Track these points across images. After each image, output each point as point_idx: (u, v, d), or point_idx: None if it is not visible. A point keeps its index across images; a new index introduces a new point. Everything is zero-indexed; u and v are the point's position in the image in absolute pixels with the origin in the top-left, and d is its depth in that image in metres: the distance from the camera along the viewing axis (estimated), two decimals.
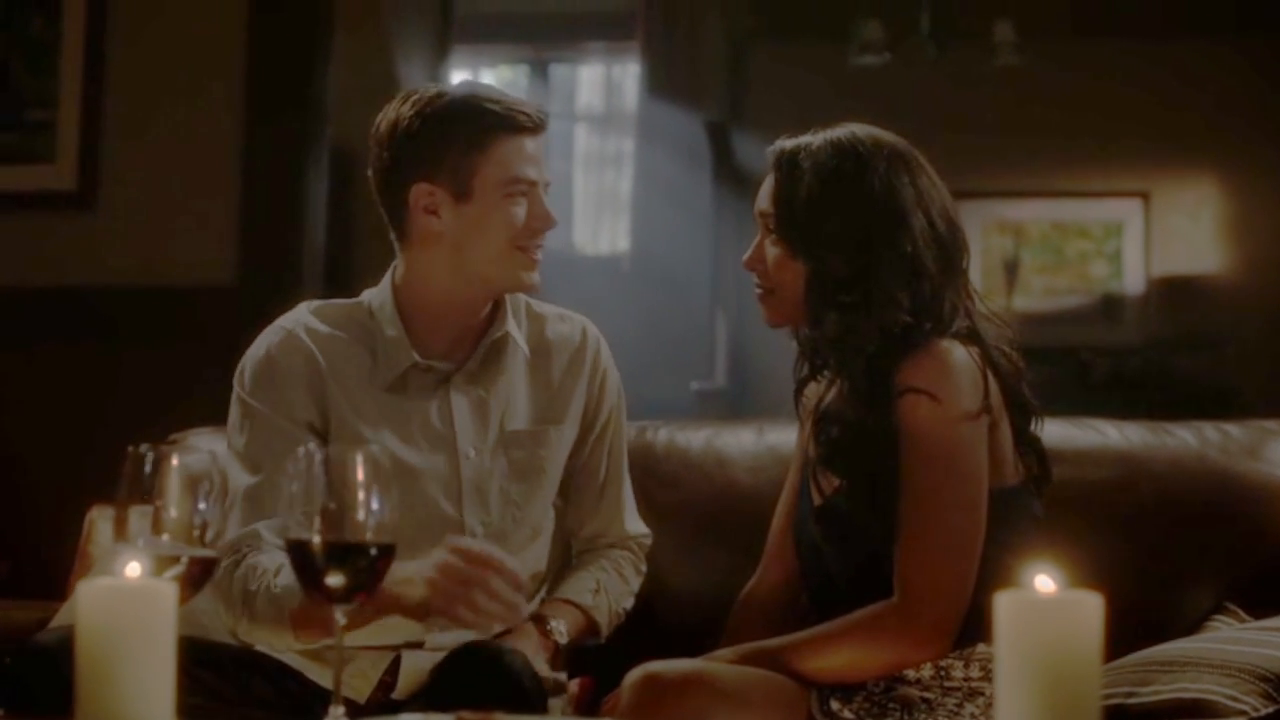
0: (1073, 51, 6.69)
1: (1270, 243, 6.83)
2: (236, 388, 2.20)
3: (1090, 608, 1.22)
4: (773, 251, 2.06)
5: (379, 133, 2.18)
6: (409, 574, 1.91)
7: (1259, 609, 2.32)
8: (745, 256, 2.11)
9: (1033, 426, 2.03)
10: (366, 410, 2.18)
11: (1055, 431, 2.53)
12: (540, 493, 2.27)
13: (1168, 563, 2.43)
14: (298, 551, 1.47)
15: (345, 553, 1.47)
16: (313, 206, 3.94)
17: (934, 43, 5.86)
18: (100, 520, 2.90)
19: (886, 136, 2.05)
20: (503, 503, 2.22)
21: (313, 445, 2.03)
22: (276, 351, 2.19)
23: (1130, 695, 2.04)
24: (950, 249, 2.02)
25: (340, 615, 1.48)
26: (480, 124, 2.13)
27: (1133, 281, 7.00)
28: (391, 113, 2.18)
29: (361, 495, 1.48)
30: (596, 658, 2.28)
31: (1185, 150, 6.90)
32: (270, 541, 2.06)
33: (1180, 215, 6.96)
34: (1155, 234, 6.98)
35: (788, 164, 2.05)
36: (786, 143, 2.06)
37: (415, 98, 2.16)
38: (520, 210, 2.15)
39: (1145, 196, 6.99)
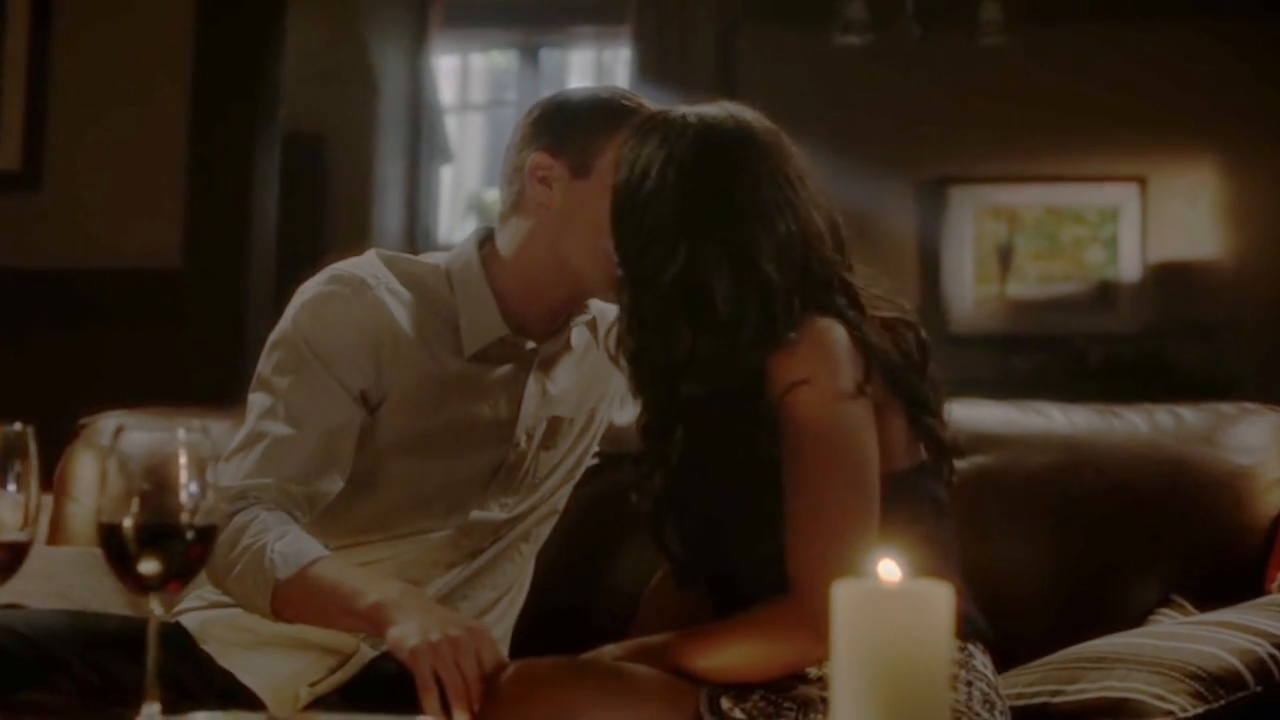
0: (1067, 33, 6.56)
1: (1269, 228, 6.68)
2: (290, 326, 2.06)
3: (939, 599, 1.10)
4: None
5: (524, 114, 2.16)
6: (416, 625, 1.78)
7: (1207, 602, 2.19)
8: None
9: (927, 417, 1.88)
10: (435, 381, 2.09)
11: (997, 415, 2.44)
12: (566, 480, 2.24)
13: (1112, 553, 2.31)
14: (109, 535, 1.36)
15: (160, 536, 1.35)
16: (261, 190, 3.85)
17: (918, 22, 5.73)
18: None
19: (721, 120, 1.85)
20: (528, 489, 2.18)
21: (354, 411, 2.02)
22: (352, 306, 2.06)
23: (1056, 694, 1.93)
24: (780, 268, 1.80)
25: (157, 604, 1.37)
26: (617, 109, 2.06)
27: (1129, 268, 6.84)
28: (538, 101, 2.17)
29: (183, 477, 1.37)
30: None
31: (1183, 135, 6.74)
32: (279, 501, 1.97)
33: (1178, 200, 6.81)
34: (1152, 220, 6.82)
35: (636, 134, 1.91)
36: (668, 112, 1.91)
37: (566, 90, 2.19)
38: None
39: (1142, 181, 6.83)
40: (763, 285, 1.78)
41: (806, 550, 1.73)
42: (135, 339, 3.66)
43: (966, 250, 6.89)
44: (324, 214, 5.66)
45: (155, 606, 1.37)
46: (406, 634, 1.77)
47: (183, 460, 1.38)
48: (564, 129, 2.08)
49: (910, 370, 1.86)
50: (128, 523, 1.35)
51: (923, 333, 1.91)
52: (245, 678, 2.05)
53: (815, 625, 1.69)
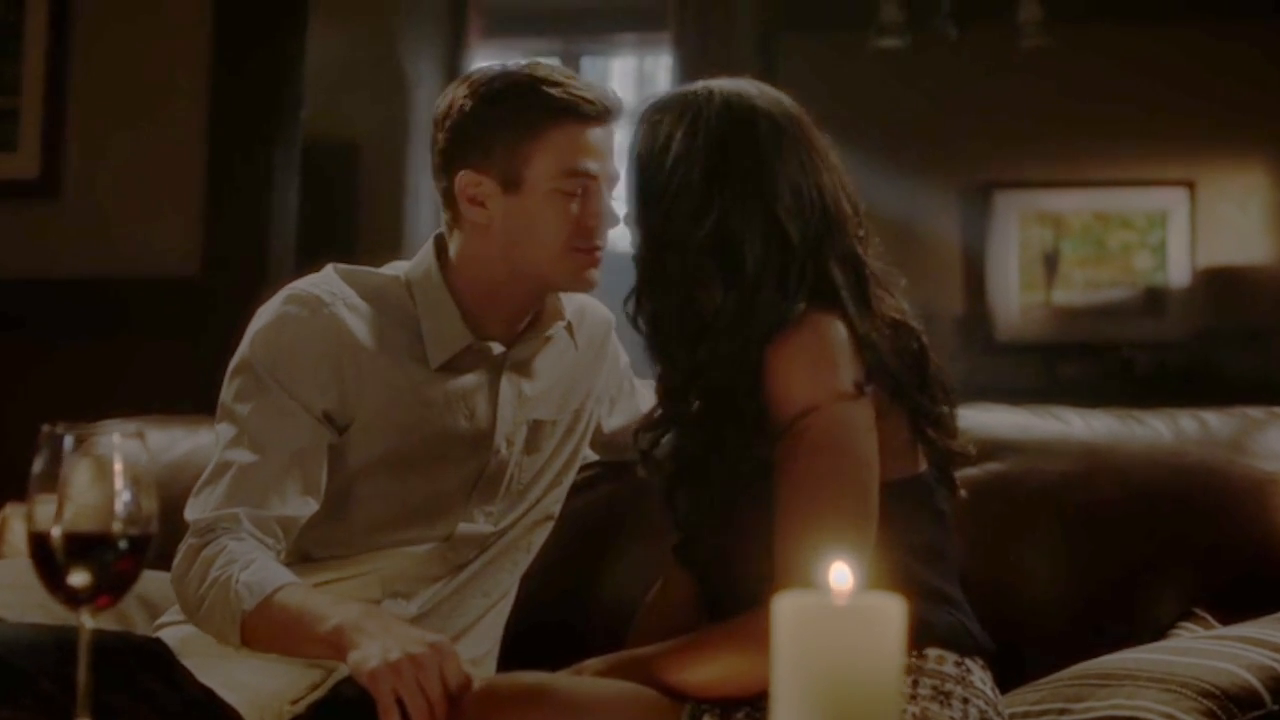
0: (1112, 34, 6.44)
1: None
2: (249, 351, 2.01)
3: (889, 615, 1.01)
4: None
5: (436, 114, 2.05)
6: (376, 646, 1.74)
7: (1231, 616, 2.09)
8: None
9: (928, 426, 1.81)
10: (406, 396, 2.03)
11: (1011, 421, 2.35)
12: (555, 484, 2.17)
13: (1131, 564, 2.21)
14: (38, 545, 1.30)
15: (90, 545, 1.29)
16: (280, 199, 3.80)
17: (954, 23, 5.63)
18: (14, 518, 2.78)
19: (746, 89, 1.84)
20: (511, 495, 2.11)
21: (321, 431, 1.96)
22: (308, 327, 2.00)
23: (1063, 712, 1.84)
24: (802, 231, 1.78)
25: (87, 617, 1.31)
26: (535, 108, 1.97)
27: (1178, 274, 6.69)
28: (449, 93, 2.03)
29: (117, 484, 1.31)
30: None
31: (1232, 137, 6.58)
32: (249, 530, 1.92)
33: (1227, 204, 6.67)
34: (1201, 224, 6.67)
35: (647, 113, 1.88)
36: (686, 88, 1.87)
37: (475, 78, 2.02)
38: (576, 207, 1.98)
39: (1191, 185, 6.68)
40: (784, 244, 1.76)
41: (796, 558, 1.65)
42: (154, 347, 3.62)
43: (1012, 257, 6.77)
44: (357, 221, 5.63)
45: (86, 620, 1.31)
46: (367, 656, 1.72)
47: (117, 468, 1.32)
48: (484, 142, 1.99)
49: (909, 376, 1.78)
50: (56, 532, 1.29)
51: (925, 339, 1.84)
52: (227, 695, 1.99)
53: None
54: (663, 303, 1.80)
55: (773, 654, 1.02)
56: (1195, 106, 6.46)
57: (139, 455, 1.33)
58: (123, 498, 1.31)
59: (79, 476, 1.31)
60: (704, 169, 1.78)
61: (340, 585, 2.04)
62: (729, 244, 1.76)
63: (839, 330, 1.72)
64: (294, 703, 2.00)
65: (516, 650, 2.18)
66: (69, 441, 1.32)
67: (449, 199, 2.04)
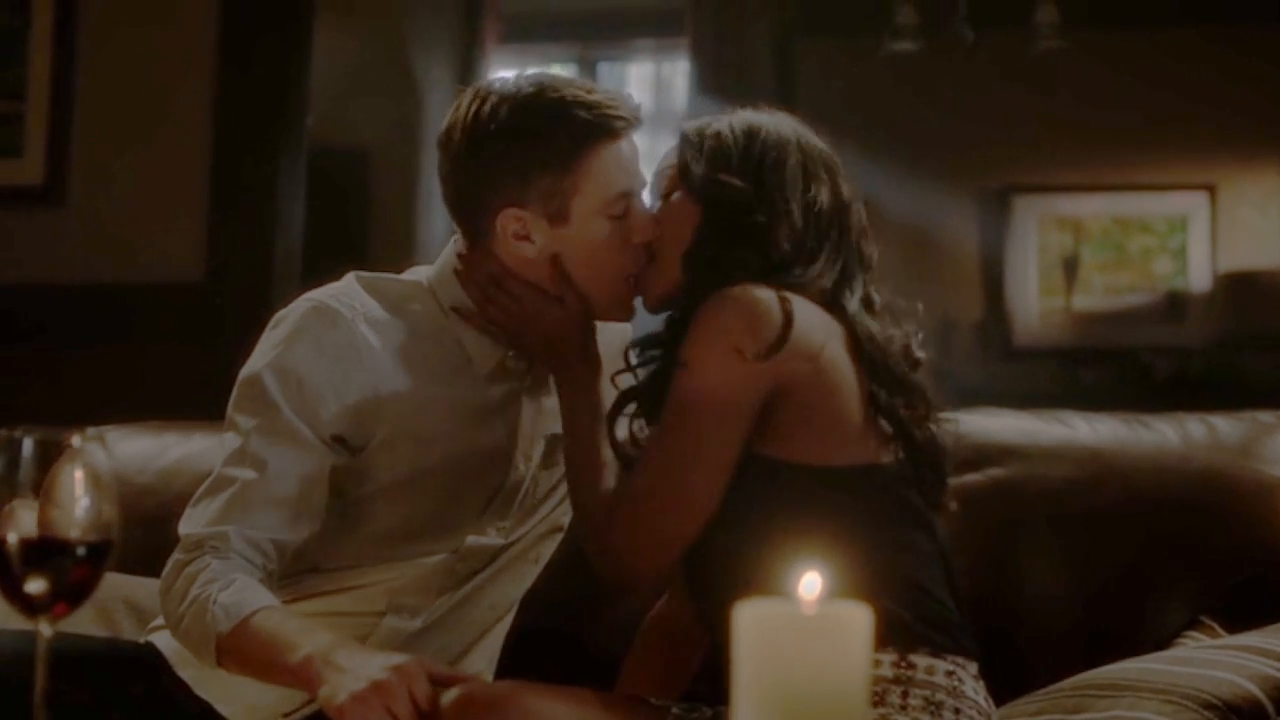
0: (1130, 37, 6.39)
1: None
2: (260, 364, 1.93)
3: (854, 624, 0.98)
4: (667, 205, 1.90)
5: (451, 142, 1.94)
6: (344, 680, 1.71)
7: (1238, 624, 2.05)
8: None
9: (901, 421, 1.79)
10: (427, 413, 1.97)
11: (1015, 425, 2.33)
12: (567, 497, 2.10)
13: (1137, 572, 2.18)
14: None
15: (47, 552, 1.26)
16: (286, 205, 3.78)
17: (970, 26, 5.58)
18: None
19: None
20: (525, 509, 2.07)
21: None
22: (326, 344, 1.92)
23: None
24: (834, 217, 1.87)
25: (45, 626, 1.28)
26: (569, 137, 1.88)
27: (1198, 278, 6.62)
28: (462, 116, 1.93)
29: (76, 490, 1.28)
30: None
31: (1253, 140, 6.50)
32: (238, 549, 1.88)
33: (1248, 208, 6.61)
34: (1222, 228, 6.60)
35: (693, 132, 1.89)
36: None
37: (492, 102, 1.91)
38: (622, 227, 1.92)
39: (1211, 189, 6.62)
40: (842, 211, 1.88)
41: (630, 489, 1.79)
42: (159, 353, 3.61)
43: (1031, 261, 6.73)
44: (367, 228, 5.63)
45: (44, 629, 1.28)
46: (335, 691, 1.70)
47: (77, 474, 1.29)
48: (518, 178, 1.90)
49: (901, 373, 1.81)
50: (12, 538, 1.26)
51: (915, 343, 1.87)
52: (223, 708, 1.96)
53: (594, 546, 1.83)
54: (731, 254, 1.82)
55: (734, 662, 0.99)
56: (1215, 111, 6.40)
57: (100, 461, 1.30)
58: (82, 504, 1.28)
59: (39, 482, 1.28)
60: (797, 145, 1.86)
61: (344, 596, 2.02)
62: (818, 210, 1.85)
63: (759, 300, 1.74)
64: (288, 714, 1.98)
65: (517, 660, 2.15)
66: (28, 446, 1.28)
67: (480, 234, 1.96)
